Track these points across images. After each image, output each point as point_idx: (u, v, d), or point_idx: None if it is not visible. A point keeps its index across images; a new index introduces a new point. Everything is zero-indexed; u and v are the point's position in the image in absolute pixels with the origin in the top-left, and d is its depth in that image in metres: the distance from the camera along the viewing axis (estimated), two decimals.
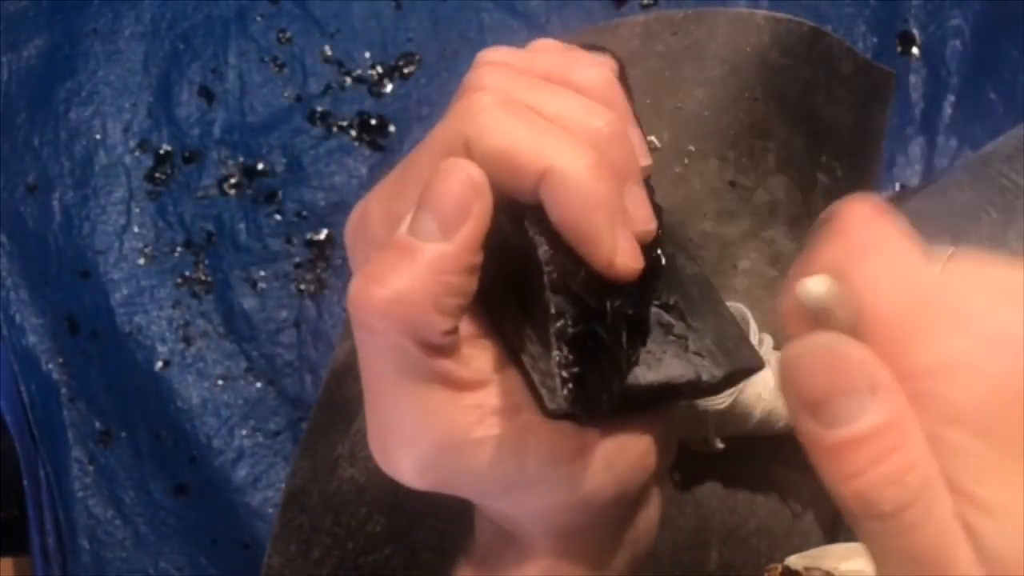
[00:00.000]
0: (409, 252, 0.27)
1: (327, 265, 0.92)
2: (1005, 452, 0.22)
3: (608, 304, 0.28)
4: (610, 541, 0.33)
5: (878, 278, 0.24)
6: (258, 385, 0.90)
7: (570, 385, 0.26)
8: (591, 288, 0.27)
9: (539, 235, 0.27)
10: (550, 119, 0.28)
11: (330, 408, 0.63)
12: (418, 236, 0.27)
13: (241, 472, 0.88)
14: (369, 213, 0.30)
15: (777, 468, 0.54)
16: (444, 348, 0.28)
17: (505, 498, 0.31)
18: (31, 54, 0.94)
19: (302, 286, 0.92)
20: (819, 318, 0.24)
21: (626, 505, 0.33)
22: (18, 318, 0.89)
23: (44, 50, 0.94)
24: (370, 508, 0.54)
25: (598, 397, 0.27)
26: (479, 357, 0.30)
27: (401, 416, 0.28)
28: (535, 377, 0.29)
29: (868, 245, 0.24)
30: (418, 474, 0.29)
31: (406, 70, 0.95)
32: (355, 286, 0.28)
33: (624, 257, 0.28)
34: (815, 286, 0.24)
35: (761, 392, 0.48)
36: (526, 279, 0.29)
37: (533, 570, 0.33)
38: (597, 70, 0.31)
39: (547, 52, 0.32)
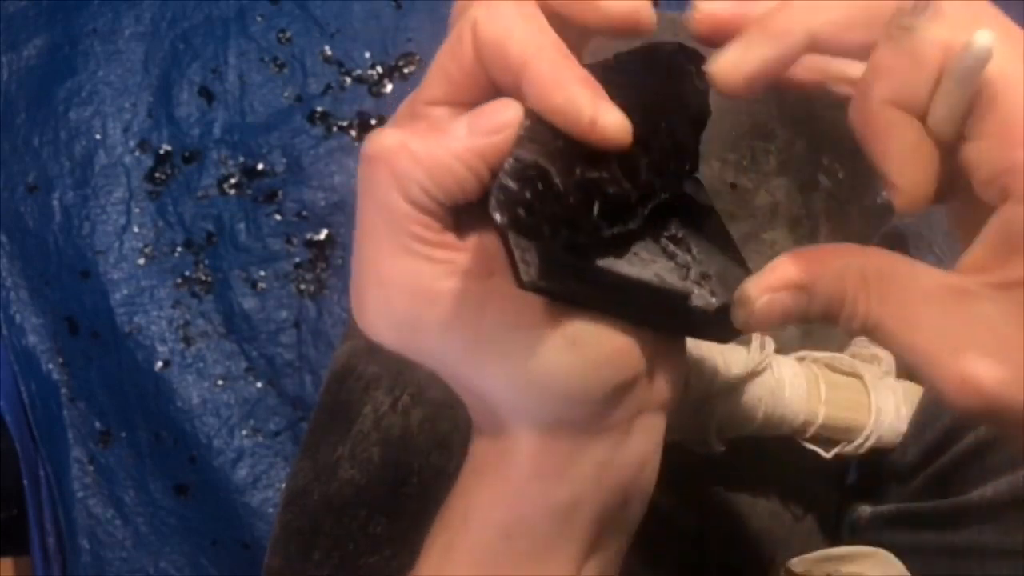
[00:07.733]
0: (432, 127, 0.30)
1: (327, 265, 0.92)
2: None
3: (579, 169, 0.29)
4: (592, 463, 0.33)
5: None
6: (258, 385, 0.90)
7: (501, 196, 0.27)
8: (571, 154, 0.28)
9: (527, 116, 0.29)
10: None
11: (331, 409, 0.62)
12: (445, 124, 0.30)
13: (241, 472, 0.88)
14: (400, 108, 0.32)
15: (778, 471, 0.54)
16: (431, 211, 0.30)
17: (469, 364, 0.32)
18: (31, 54, 0.94)
19: (302, 286, 0.92)
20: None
21: (604, 410, 0.32)
22: (18, 318, 0.89)
23: (44, 50, 0.94)
24: (371, 510, 0.54)
25: (538, 235, 0.28)
26: (461, 226, 0.31)
27: (378, 264, 0.30)
28: (516, 252, 0.30)
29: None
30: (387, 325, 0.31)
31: (406, 70, 0.95)
32: (372, 133, 0.30)
33: (608, 116, 0.28)
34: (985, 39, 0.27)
35: (762, 395, 0.48)
36: None
37: (514, 471, 0.33)
38: None
39: None
